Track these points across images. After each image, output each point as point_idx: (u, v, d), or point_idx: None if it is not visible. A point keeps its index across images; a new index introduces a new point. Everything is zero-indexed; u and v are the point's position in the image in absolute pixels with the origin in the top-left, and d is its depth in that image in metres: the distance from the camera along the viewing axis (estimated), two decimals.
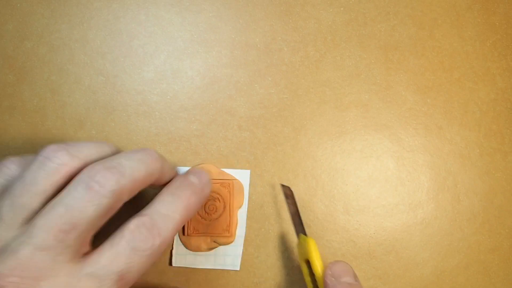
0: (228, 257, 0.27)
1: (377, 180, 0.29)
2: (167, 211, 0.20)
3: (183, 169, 0.26)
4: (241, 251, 0.27)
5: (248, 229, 0.28)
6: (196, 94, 0.29)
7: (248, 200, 0.28)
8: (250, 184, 0.28)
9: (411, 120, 0.30)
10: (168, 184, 0.22)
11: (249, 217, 0.28)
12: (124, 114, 0.28)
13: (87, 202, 0.18)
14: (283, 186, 0.27)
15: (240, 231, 0.27)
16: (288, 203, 0.26)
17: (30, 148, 0.28)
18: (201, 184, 0.23)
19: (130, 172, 0.19)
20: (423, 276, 0.28)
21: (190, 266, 0.27)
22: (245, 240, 0.28)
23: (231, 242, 0.27)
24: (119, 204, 0.19)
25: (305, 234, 0.25)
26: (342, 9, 0.30)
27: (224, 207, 0.27)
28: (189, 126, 0.29)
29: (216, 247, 0.27)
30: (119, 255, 0.19)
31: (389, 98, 0.30)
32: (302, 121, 0.29)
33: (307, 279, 0.25)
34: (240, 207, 0.28)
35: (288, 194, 0.26)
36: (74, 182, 0.18)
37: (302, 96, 0.29)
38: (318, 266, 0.24)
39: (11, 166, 0.20)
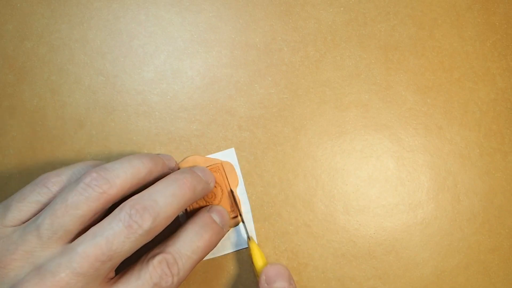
0: (243, 236, 0.28)
1: (377, 180, 0.29)
2: (188, 251, 0.22)
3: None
4: (253, 225, 0.28)
5: (248, 229, 0.28)
6: (196, 94, 0.29)
7: (248, 200, 0.28)
8: (250, 184, 0.28)
9: (411, 120, 0.30)
10: (193, 219, 0.24)
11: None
12: (124, 114, 0.28)
13: (125, 238, 0.19)
14: (231, 191, 0.28)
15: (245, 207, 0.28)
16: (238, 208, 0.27)
17: (30, 148, 0.28)
18: (222, 223, 0.25)
19: (165, 210, 0.21)
20: (423, 276, 0.28)
21: (212, 257, 0.27)
22: (245, 240, 0.28)
23: (240, 221, 0.27)
24: (151, 238, 0.21)
25: (248, 238, 0.26)
26: (342, 9, 0.30)
27: (222, 191, 0.27)
28: (189, 126, 0.29)
29: (228, 230, 0.27)
30: None
31: (389, 98, 0.30)
32: (302, 121, 0.29)
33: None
34: (236, 185, 0.28)
35: (235, 198, 0.27)
36: (115, 217, 0.20)
37: (302, 96, 0.29)
38: (259, 270, 0.24)
39: (53, 188, 0.22)
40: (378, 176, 0.29)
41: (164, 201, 0.21)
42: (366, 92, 0.30)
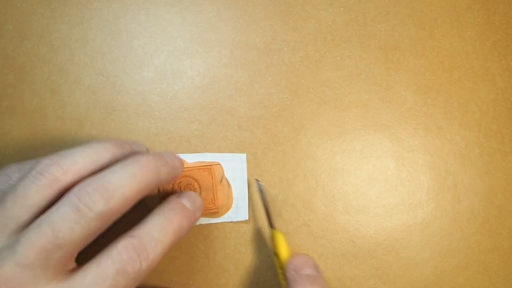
0: (235, 210, 0.28)
1: (377, 180, 0.29)
2: (157, 234, 0.20)
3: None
4: (247, 202, 0.28)
5: (248, 229, 0.28)
6: (196, 94, 0.29)
7: (248, 200, 0.28)
8: (250, 185, 0.28)
9: (411, 120, 0.30)
10: (162, 205, 0.22)
11: (249, 217, 0.28)
12: (124, 114, 0.28)
13: (74, 223, 0.18)
14: (256, 180, 0.27)
15: (241, 190, 0.28)
16: (261, 197, 0.27)
17: (30, 148, 0.28)
18: (194, 208, 0.23)
19: (121, 192, 0.19)
20: (423, 276, 0.28)
21: (201, 223, 0.27)
22: (245, 240, 0.28)
23: (220, 215, 0.27)
24: (108, 224, 0.19)
25: (274, 228, 0.26)
26: (342, 9, 0.30)
27: (204, 189, 0.27)
28: (189, 126, 0.29)
29: (200, 216, 0.26)
30: (104, 275, 0.18)
31: (389, 98, 0.30)
32: (302, 121, 0.29)
33: (279, 271, 0.26)
34: (221, 179, 0.27)
35: (261, 189, 0.27)
36: (62, 201, 0.18)
37: (302, 96, 0.29)
38: (284, 260, 0.24)
39: (13, 176, 0.21)
40: (378, 176, 0.29)
41: (120, 181, 0.19)
42: (366, 92, 0.30)
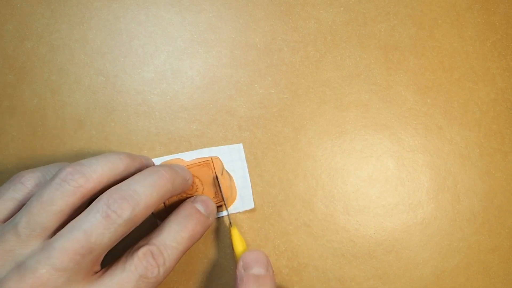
0: (240, 200, 0.28)
1: (377, 180, 0.29)
2: (173, 241, 0.22)
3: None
4: (251, 191, 0.28)
5: (248, 229, 0.28)
6: (196, 94, 0.29)
7: (252, 188, 0.28)
8: (250, 184, 0.28)
9: (411, 120, 0.30)
10: (177, 211, 0.24)
11: (249, 217, 0.28)
12: (124, 114, 0.28)
13: (104, 229, 0.19)
14: (216, 178, 0.27)
15: (243, 180, 0.28)
16: (220, 194, 0.27)
17: (30, 148, 0.28)
18: (207, 212, 0.25)
19: (144, 200, 0.21)
20: (423, 276, 0.28)
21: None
22: (245, 239, 0.28)
23: (226, 208, 0.28)
24: (132, 229, 0.21)
25: (230, 224, 0.26)
26: (342, 9, 0.30)
27: (205, 184, 0.27)
28: (189, 126, 0.29)
29: (214, 219, 0.27)
30: (129, 280, 0.20)
31: (389, 98, 0.30)
32: (302, 121, 0.29)
33: None
34: (221, 172, 0.28)
35: (219, 185, 0.27)
36: (93, 208, 0.20)
37: (302, 96, 0.29)
38: (236, 256, 0.24)
39: (28, 183, 0.22)
40: (378, 176, 0.29)
41: (143, 190, 0.21)
42: (366, 92, 0.30)
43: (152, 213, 0.27)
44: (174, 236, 0.22)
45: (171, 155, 0.28)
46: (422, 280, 0.28)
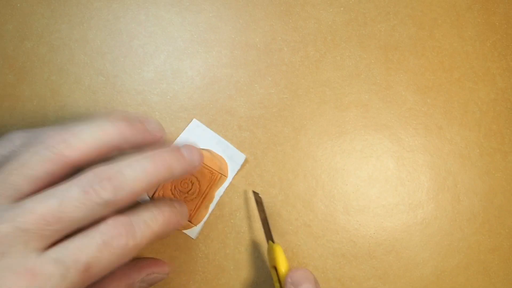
0: (231, 161, 0.28)
1: (377, 180, 0.29)
2: (148, 219, 0.20)
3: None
4: (232, 145, 0.28)
5: (248, 229, 0.28)
6: (196, 94, 0.29)
7: (248, 200, 0.28)
8: (250, 184, 0.28)
9: (411, 120, 0.30)
10: (156, 200, 0.23)
11: (248, 217, 0.28)
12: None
13: (80, 203, 0.18)
14: (254, 193, 0.27)
15: (218, 145, 0.28)
16: (258, 209, 0.26)
17: None
18: (181, 212, 0.23)
19: (130, 185, 0.19)
20: (423, 276, 0.28)
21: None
22: (245, 240, 0.28)
23: (188, 228, 0.27)
24: (111, 212, 0.19)
25: (272, 241, 0.25)
26: (342, 9, 0.30)
27: (198, 193, 0.27)
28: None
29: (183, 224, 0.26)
30: (89, 245, 0.18)
31: (389, 98, 0.30)
32: (302, 121, 0.29)
33: (276, 285, 0.25)
34: (211, 202, 0.28)
35: (258, 201, 0.27)
36: (73, 180, 0.19)
37: (302, 96, 0.29)
38: (282, 274, 0.24)
39: (16, 141, 0.20)
40: (378, 176, 0.29)
41: (132, 175, 0.19)
42: (366, 92, 0.30)
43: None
44: (149, 214, 0.21)
45: (212, 131, 0.28)
46: (422, 280, 0.28)
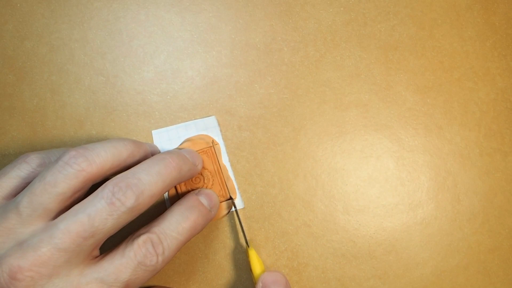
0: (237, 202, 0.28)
1: (377, 180, 0.29)
2: (174, 231, 0.22)
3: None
4: (239, 193, 0.28)
5: (248, 229, 0.28)
6: (196, 94, 0.29)
7: (248, 200, 0.28)
8: (250, 184, 0.28)
9: (411, 120, 0.30)
10: (180, 201, 0.24)
11: (248, 217, 0.28)
12: (124, 114, 0.28)
13: (108, 215, 0.20)
14: (231, 199, 0.27)
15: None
16: (237, 214, 0.27)
17: (30, 148, 0.28)
18: (210, 206, 0.25)
19: (149, 189, 0.21)
20: (423, 276, 0.28)
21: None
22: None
23: (230, 208, 0.28)
24: (135, 217, 0.21)
25: (247, 245, 0.26)
26: (342, 9, 0.30)
27: (212, 175, 0.27)
28: None
29: (216, 213, 0.27)
30: (127, 266, 0.20)
31: (389, 98, 0.30)
32: (302, 121, 0.29)
33: None
34: (227, 171, 0.28)
35: (234, 206, 0.27)
36: (98, 194, 0.20)
37: (302, 96, 0.29)
38: (255, 277, 0.24)
39: (32, 162, 0.22)
40: (378, 176, 0.29)
41: (148, 179, 0.21)
42: (366, 92, 0.30)
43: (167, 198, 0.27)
44: (175, 226, 0.22)
45: (172, 125, 0.28)
46: (422, 280, 0.28)
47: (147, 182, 0.21)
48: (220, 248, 0.28)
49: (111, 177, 0.21)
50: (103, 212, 0.19)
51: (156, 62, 0.29)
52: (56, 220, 0.20)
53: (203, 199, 0.25)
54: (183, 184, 0.27)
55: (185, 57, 0.29)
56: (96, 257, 0.21)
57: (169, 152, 0.23)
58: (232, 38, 0.30)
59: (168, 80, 0.29)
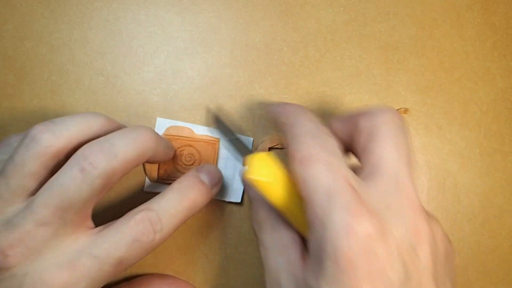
0: (230, 190, 0.28)
1: None
2: (172, 209, 0.22)
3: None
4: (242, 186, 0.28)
5: (248, 229, 0.28)
6: (196, 94, 0.29)
7: (247, 199, 0.28)
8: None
9: (411, 120, 0.30)
10: (180, 179, 0.23)
11: (249, 217, 0.28)
12: (124, 114, 0.28)
13: (81, 182, 0.19)
14: (210, 111, 0.25)
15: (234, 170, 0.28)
16: (221, 131, 0.25)
17: None
18: (212, 184, 0.24)
19: (123, 153, 0.20)
20: None
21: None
22: (245, 240, 0.28)
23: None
24: (113, 183, 0.20)
25: (250, 152, 0.23)
26: (342, 9, 0.30)
27: (201, 160, 0.27)
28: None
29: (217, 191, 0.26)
30: (121, 242, 0.20)
31: (389, 98, 0.30)
32: None
33: (291, 217, 0.20)
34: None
35: (219, 119, 0.25)
36: (69, 163, 0.20)
37: (302, 96, 0.29)
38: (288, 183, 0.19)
39: (14, 144, 0.22)
40: None
41: (122, 143, 0.20)
42: (366, 92, 0.30)
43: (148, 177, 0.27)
44: (174, 204, 0.22)
45: (182, 122, 0.28)
46: None
47: (120, 146, 0.20)
48: (220, 248, 0.28)
49: None
50: (76, 179, 0.19)
51: (156, 62, 0.29)
52: (34, 196, 0.19)
53: (204, 177, 0.24)
54: (172, 164, 0.27)
55: (185, 57, 0.29)
56: (92, 228, 0.21)
57: (144, 126, 0.23)
58: (232, 38, 0.30)
59: (168, 80, 0.29)
